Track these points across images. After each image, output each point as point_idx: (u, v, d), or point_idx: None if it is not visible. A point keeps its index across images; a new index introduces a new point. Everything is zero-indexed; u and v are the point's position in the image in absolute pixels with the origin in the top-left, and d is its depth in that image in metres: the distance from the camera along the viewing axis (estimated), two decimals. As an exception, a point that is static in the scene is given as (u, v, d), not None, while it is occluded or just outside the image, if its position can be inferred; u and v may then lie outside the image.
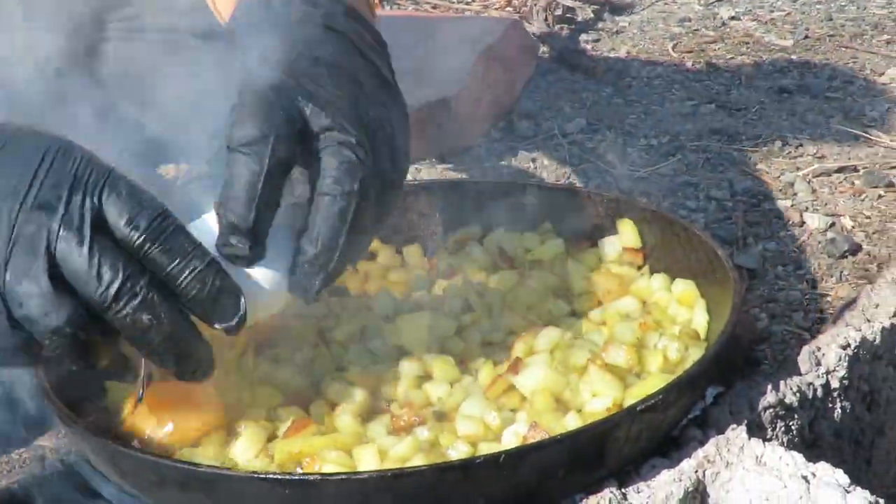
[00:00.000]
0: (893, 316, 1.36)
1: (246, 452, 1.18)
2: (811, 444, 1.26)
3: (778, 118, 2.80)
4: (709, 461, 1.13)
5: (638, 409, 1.09)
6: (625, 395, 1.19)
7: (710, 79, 3.05)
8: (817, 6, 3.56)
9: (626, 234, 1.45)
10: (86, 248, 0.98)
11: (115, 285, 0.99)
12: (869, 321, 1.34)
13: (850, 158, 2.60)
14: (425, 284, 1.46)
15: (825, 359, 1.28)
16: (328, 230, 1.10)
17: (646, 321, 1.31)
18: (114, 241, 1.00)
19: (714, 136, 2.72)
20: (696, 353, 1.24)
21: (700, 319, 1.31)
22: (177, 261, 1.02)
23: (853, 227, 2.35)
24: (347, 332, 1.32)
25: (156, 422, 1.21)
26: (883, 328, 1.34)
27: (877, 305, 1.37)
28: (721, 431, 1.16)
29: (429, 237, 1.57)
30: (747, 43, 3.29)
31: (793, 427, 1.23)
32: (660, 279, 1.39)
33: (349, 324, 1.34)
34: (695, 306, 1.33)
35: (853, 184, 2.51)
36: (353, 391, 1.23)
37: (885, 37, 3.28)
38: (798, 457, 1.10)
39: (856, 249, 2.28)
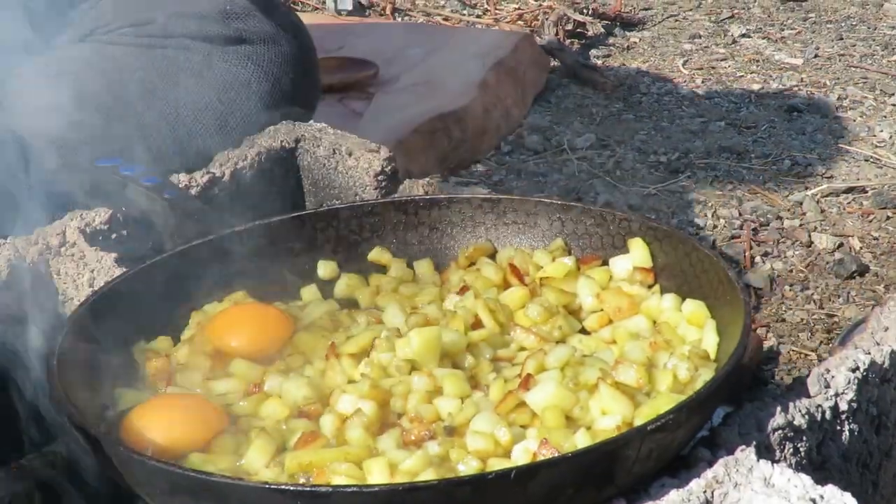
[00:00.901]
0: (902, 339, 1.36)
1: (257, 462, 1.19)
2: (819, 467, 1.26)
3: (787, 137, 2.81)
4: (717, 482, 1.13)
5: (649, 428, 1.09)
6: (634, 413, 1.19)
7: (719, 96, 3.07)
8: (828, 25, 3.57)
9: (637, 253, 1.45)
10: None
11: None
12: (878, 344, 1.35)
13: (858, 179, 2.61)
14: (436, 299, 1.46)
15: (834, 381, 1.29)
16: None
17: (656, 340, 1.32)
18: None
19: (723, 153, 2.74)
20: (705, 374, 1.24)
21: (710, 340, 1.31)
22: None
23: (861, 247, 2.36)
24: (358, 346, 1.33)
25: (163, 427, 1.23)
26: (892, 351, 1.34)
27: (886, 329, 1.37)
28: (730, 452, 1.16)
29: (441, 251, 1.58)
30: (757, 61, 3.30)
31: (801, 449, 1.24)
32: (670, 299, 1.39)
33: (360, 337, 1.34)
34: (705, 326, 1.33)
35: (862, 204, 2.52)
36: (364, 405, 1.23)
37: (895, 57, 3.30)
38: (806, 479, 1.11)
39: (864, 270, 2.29)
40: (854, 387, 1.29)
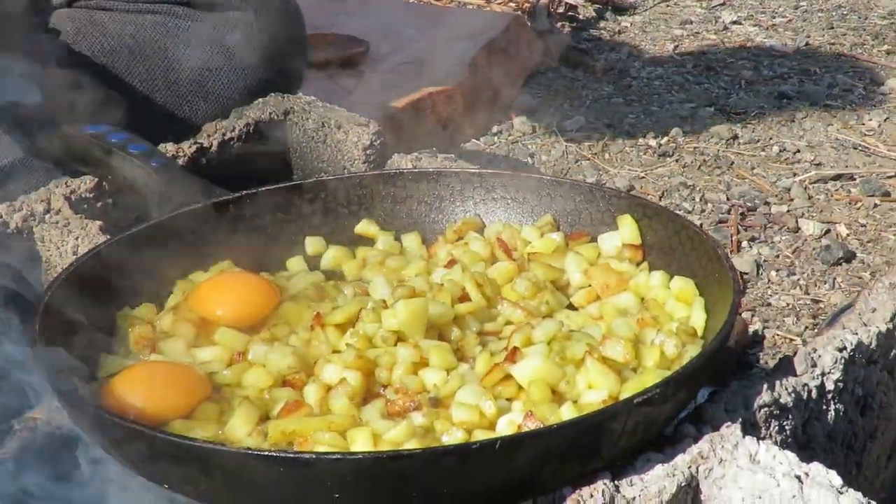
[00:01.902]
0: (889, 321, 1.36)
1: (239, 430, 1.18)
2: (804, 445, 1.26)
3: (777, 124, 2.80)
4: (702, 457, 1.13)
5: (635, 401, 1.08)
6: (621, 388, 1.19)
7: (709, 82, 3.06)
8: (819, 14, 3.57)
9: (626, 230, 1.45)
10: None
11: None
12: (865, 325, 1.34)
13: (847, 167, 2.61)
14: (423, 272, 1.45)
15: (821, 361, 1.28)
16: None
17: (643, 317, 1.31)
18: None
19: (711, 138, 2.73)
20: (692, 351, 1.23)
21: (698, 317, 1.30)
22: None
23: (848, 234, 2.36)
24: (344, 316, 1.32)
25: (145, 392, 1.22)
26: (879, 332, 1.34)
27: (874, 310, 1.37)
28: (716, 428, 1.16)
29: (428, 225, 1.57)
30: (748, 47, 3.29)
31: (787, 427, 1.23)
32: (658, 276, 1.39)
33: (346, 308, 1.33)
34: (693, 304, 1.33)
35: (849, 192, 2.52)
36: (349, 374, 1.22)
37: (886, 47, 3.29)
38: (791, 456, 1.10)
39: (850, 257, 2.29)
40: (840, 366, 1.29)
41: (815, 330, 2.09)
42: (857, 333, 1.32)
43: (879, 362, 1.35)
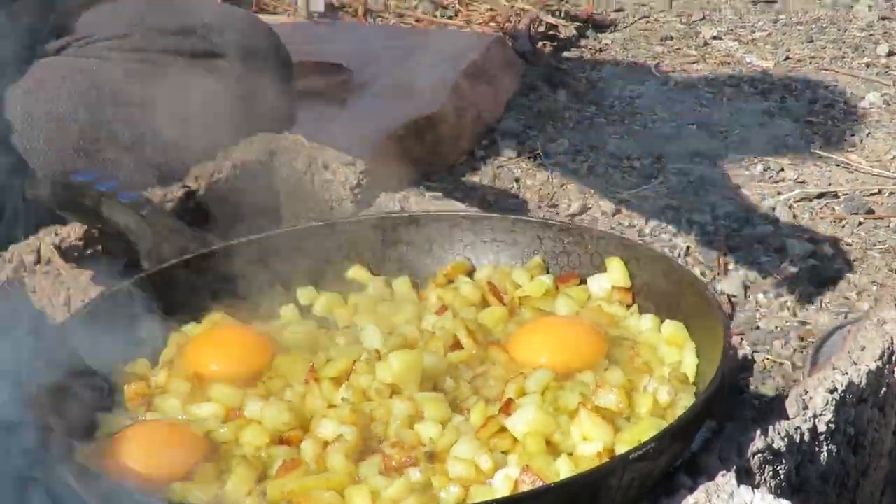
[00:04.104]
0: (878, 359, 1.37)
1: (238, 491, 1.18)
2: (797, 489, 1.27)
3: (760, 141, 2.82)
4: (698, 508, 1.14)
5: (631, 457, 1.09)
6: (615, 438, 1.19)
7: (692, 99, 3.08)
8: (798, 27, 3.59)
9: (615, 273, 1.46)
10: None
11: None
12: (855, 364, 1.36)
13: (830, 184, 2.63)
14: (414, 318, 1.46)
15: (812, 402, 1.30)
16: None
17: (635, 363, 1.32)
18: None
19: (696, 158, 2.75)
20: (685, 398, 1.24)
21: (689, 362, 1.31)
22: None
23: (834, 254, 2.37)
24: (338, 370, 1.32)
25: (144, 456, 1.22)
26: (869, 371, 1.35)
27: (862, 348, 1.38)
28: (711, 477, 1.17)
29: (419, 269, 1.57)
30: (729, 63, 3.31)
31: (780, 472, 1.24)
32: (649, 319, 1.40)
33: (340, 361, 1.34)
34: (684, 348, 1.34)
35: (834, 210, 2.54)
36: (345, 430, 1.23)
37: (865, 59, 3.31)
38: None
39: (836, 277, 2.30)
40: (832, 408, 1.30)
41: (804, 352, 2.11)
42: (846, 374, 1.33)
43: (870, 400, 1.36)
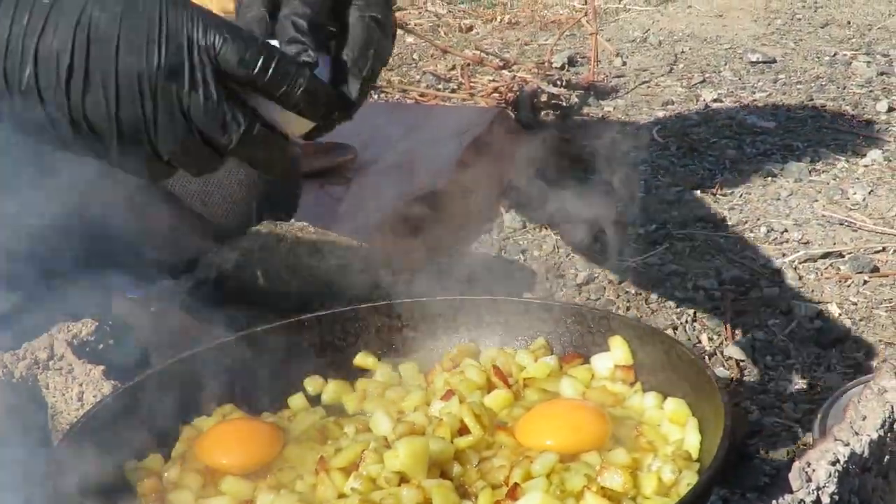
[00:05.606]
0: (880, 428, 1.38)
1: (253, 586, 1.21)
2: (804, 562, 1.28)
3: (763, 203, 2.84)
4: (705, 587, 1.15)
5: (638, 544, 1.12)
6: (621, 520, 1.22)
7: (694, 163, 3.10)
8: (798, 86, 3.62)
9: (618, 352, 1.48)
10: (212, 105, 1.14)
11: (241, 132, 1.15)
12: (857, 434, 1.37)
13: (834, 244, 2.64)
14: (422, 403, 1.49)
15: (815, 475, 1.31)
16: (364, 34, 1.25)
17: (639, 442, 1.34)
18: (231, 84, 1.15)
19: (699, 223, 2.77)
20: (688, 475, 1.26)
21: (692, 439, 1.33)
22: (287, 83, 1.16)
23: (840, 314, 2.38)
24: (347, 459, 1.35)
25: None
26: (871, 441, 1.36)
27: (864, 418, 1.39)
28: (717, 557, 1.18)
29: (425, 353, 1.60)
30: (730, 126, 3.34)
31: (786, 546, 1.25)
32: (652, 397, 1.42)
33: (349, 450, 1.36)
34: (686, 425, 1.36)
35: (839, 270, 2.55)
36: (356, 521, 1.25)
37: (866, 117, 3.34)
38: (792, 582, 1.13)
39: (843, 338, 2.31)
40: (835, 479, 1.31)
41: (814, 415, 2.12)
42: (849, 444, 1.34)
43: (873, 469, 1.37)
